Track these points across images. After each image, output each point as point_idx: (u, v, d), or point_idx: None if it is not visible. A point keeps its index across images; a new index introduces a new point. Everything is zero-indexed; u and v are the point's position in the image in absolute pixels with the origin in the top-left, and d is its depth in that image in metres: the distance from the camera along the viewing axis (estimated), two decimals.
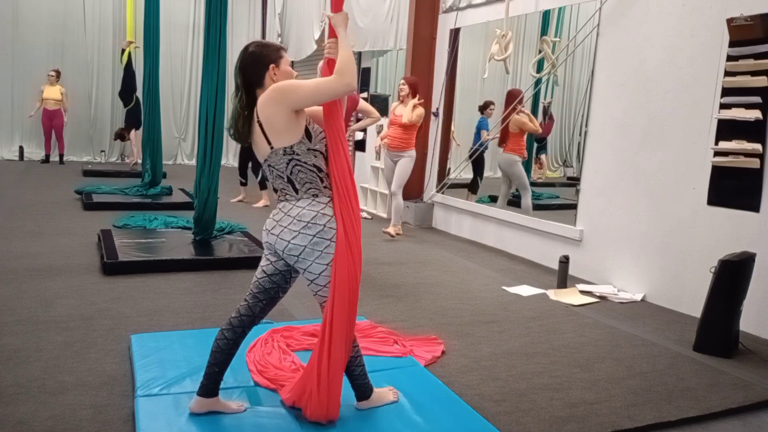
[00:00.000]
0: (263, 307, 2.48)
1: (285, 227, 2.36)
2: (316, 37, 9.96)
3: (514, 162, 6.62)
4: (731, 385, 3.17)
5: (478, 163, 7.29)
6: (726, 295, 3.60)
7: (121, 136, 10.81)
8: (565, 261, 4.90)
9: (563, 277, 4.88)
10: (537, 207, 6.41)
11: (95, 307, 3.79)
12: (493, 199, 7.16)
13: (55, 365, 2.92)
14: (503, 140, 6.66)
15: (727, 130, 4.14)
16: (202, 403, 2.46)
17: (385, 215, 7.87)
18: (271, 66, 2.38)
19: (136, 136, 10.22)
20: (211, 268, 4.81)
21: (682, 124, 4.47)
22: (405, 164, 6.52)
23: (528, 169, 6.93)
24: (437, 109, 7.34)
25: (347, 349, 2.41)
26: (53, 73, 10.93)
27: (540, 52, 6.08)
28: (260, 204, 7.99)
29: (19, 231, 5.73)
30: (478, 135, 7.16)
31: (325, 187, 2.40)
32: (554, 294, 4.69)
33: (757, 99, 3.98)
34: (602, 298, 4.69)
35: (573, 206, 5.48)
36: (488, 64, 6.46)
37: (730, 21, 4.07)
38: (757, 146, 3.97)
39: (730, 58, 4.11)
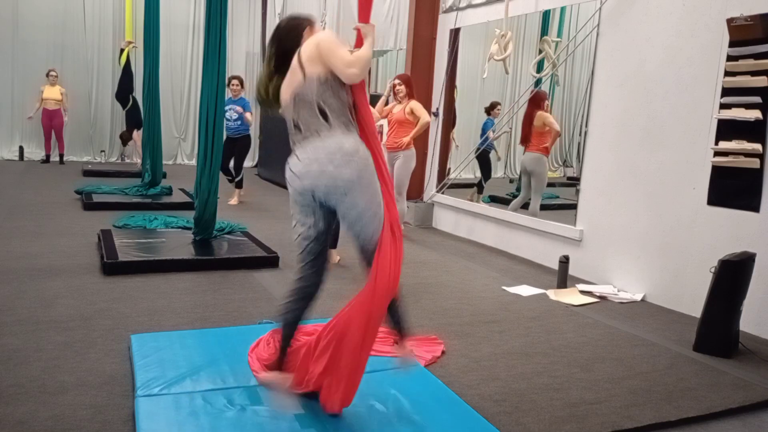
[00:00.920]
0: (322, 267, 2.51)
1: (326, 160, 2.31)
2: None
3: (540, 160, 6.41)
4: (731, 385, 3.17)
5: (484, 164, 7.27)
6: (726, 295, 3.60)
7: (126, 139, 10.85)
8: (565, 261, 4.90)
9: (563, 277, 4.88)
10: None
11: (95, 307, 3.79)
12: (493, 199, 7.16)
13: (55, 365, 2.92)
14: (526, 139, 6.49)
15: (727, 130, 4.14)
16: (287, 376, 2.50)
17: None
18: (307, 29, 2.56)
19: (137, 136, 10.24)
20: (211, 268, 4.81)
21: (682, 124, 4.47)
22: (402, 165, 6.24)
23: None
24: (437, 109, 7.34)
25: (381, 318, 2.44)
26: (55, 73, 10.94)
27: (541, 52, 6.08)
28: (233, 201, 8.00)
29: (19, 231, 5.73)
30: (484, 136, 7.14)
31: (353, 122, 2.43)
32: (554, 294, 4.69)
33: (757, 99, 3.98)
34: (602, 298, 4.69)
35: (573, 206, 5.48)
36: (487, 64, 6.45)
37: (730, 21, 4.07)
38: (757, 146, 3.97)
39: (730, 58, 4.11)
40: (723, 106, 4.16)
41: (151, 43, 7.85)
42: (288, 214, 2.71)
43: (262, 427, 2.39)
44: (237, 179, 8.04)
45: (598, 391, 3.01)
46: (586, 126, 5.35)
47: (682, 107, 4.47)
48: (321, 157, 2.32)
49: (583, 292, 4.76)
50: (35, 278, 4.30)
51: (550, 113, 6.41)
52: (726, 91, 4.15)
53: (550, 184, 7.11)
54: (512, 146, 7.42)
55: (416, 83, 6.61)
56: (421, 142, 7.04)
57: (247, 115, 7.77)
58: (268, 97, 2.58)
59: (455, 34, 7.13)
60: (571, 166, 6.86)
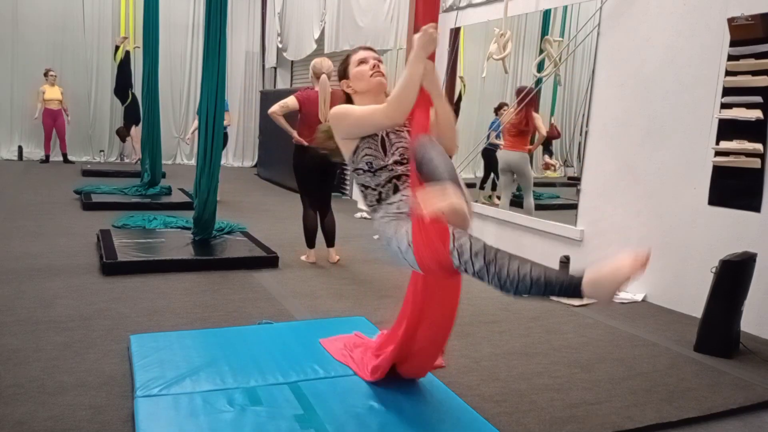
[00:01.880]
0: None
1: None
2: (316, 36, 9.95)
3: (526, 159, 6.48)
4: (732, 386, 3.16)
5: (490, 163, 7.27)
6: (727, 295, 3.59)
7: (123, 134, 10.83)
8: (565, 261, 4.89)
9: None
10: (537, 207, 6.39)
11: (94, 307, 3.78)
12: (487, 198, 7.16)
13: (55, 365, 2.91)
14: (515, 138, 6.48)
15: (727, 129, 4.14)
16: None
17: None
18: (343, 82, 2.46)
19: (135, 132, 10.22)
20: (210, 268, 4.80)
21: (682, 124, 4.47)
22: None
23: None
24: None
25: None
26: (54, 73, 10.95)
27: (542, 51, 6.07)
28: None
29: (18, 231, 5.73)
30: (486, 135, 7.14)
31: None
32: None
33: (758, 99, 3.97)
34: None
35: (573, 206, 5.47)
36: (486, 63, 6.44)
37: (730, 21, 4.06)
38: (758, 146, 3.97)
39: (730, 57, 4.10)
40: (724, 106, 4.16)
41: (151, 42, 7.85)
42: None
43: (262, 427, 2.38)
44: None
45: (599, 392, 3.00)
46: (587, 126, 5.34)
47: (682, 107, 4.47)
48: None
49: None
50: (34, 278, 4.29)
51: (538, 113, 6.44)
52: (727, 91, 4.14)
53: (550, 184, 7.11)
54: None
55: None
56: None
57: (226, 114, 7.98)
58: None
59: (455, 33, 7.12)
60: (572, 166, 6.85)
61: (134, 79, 10.37)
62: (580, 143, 5.71)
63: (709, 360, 3.52)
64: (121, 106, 10.72)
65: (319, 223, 5.25)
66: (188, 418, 2.42)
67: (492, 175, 7.38)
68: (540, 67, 6.13)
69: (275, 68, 13.05)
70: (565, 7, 5.86)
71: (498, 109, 7.20)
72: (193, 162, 11.38)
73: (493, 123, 7.22)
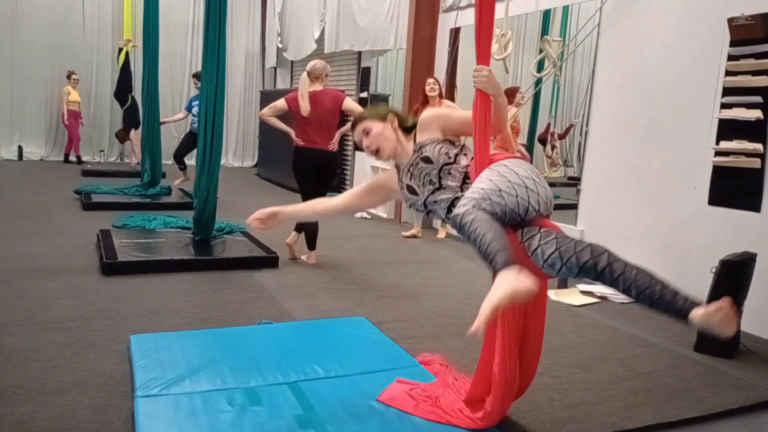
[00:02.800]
0: None
1: None
2: (316, 36, 9.95)
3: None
4: (732, 386, 3.16)
5: None
6: (727, 295, 3.57)
7: (122, 137, 10.85)
8: None
9: (564, 278, 4.88)
10: None
11: (94, 307, 3.78)
12: None
13: (54, 366, 2.91)
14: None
15: (728, 129, 4.14)
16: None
17: (385, 215, 7.86)
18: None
19: (135, 135, 10.24)
20: (210, 268, 4.80)
21: (682, 124, 4.46)
22: None
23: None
24: None
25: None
26: (77, 76, 11.10)
27: (541, 51, 6.07)
28: (177, 182, 8.74)
29: (18, 231, 5.72)
30: None
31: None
32: (555, 294, 4.68)
33: (758, 99, 3.97)
34: (603, 298, 4.68)
35: (573, 206, 5.47)
36: None
37: (730, 20, 4.06)
38: (758, 146, 3.97)
39: (730, 57, 4.10)
40: (724, 106, 4.16)
41: (151, 42, 7.84)
42: None
43: (262, 427, 2.38)
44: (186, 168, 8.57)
45: (599, 392, 3.00)
46: (587, 126, 5.34)
47: (682, 107, 4.47)
48: None
49: (583, 293, 4.75)
50: (34, 278, 4.29)
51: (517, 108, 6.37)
52: (727, 91, 4.14)
53: (551, 184, 7.08)
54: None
55: (416, 83, 6.60)
56: None
57: (182, 113, 8.45)
58: None
59: (455, 33, 7.12)
60: (572, 166, 6.85)
61: (134, 80, 10.37)
62: (580, 143, 5.71)
63: (709, 360, 3.51)
64: (121, 109, 10.73)
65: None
66: (188, 418, 2.41)
67: None
68: (539, 66, 6.13)
69: (275, 68, 13.04)
70: (565, 7, 5.87)
71: None
72: (192, 162, 11.37)
73: None
